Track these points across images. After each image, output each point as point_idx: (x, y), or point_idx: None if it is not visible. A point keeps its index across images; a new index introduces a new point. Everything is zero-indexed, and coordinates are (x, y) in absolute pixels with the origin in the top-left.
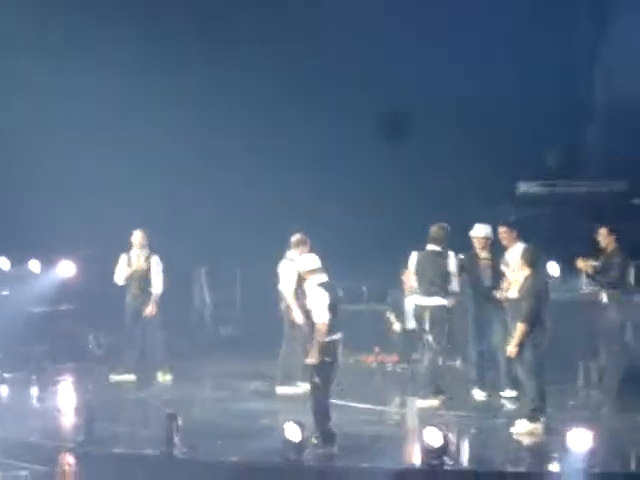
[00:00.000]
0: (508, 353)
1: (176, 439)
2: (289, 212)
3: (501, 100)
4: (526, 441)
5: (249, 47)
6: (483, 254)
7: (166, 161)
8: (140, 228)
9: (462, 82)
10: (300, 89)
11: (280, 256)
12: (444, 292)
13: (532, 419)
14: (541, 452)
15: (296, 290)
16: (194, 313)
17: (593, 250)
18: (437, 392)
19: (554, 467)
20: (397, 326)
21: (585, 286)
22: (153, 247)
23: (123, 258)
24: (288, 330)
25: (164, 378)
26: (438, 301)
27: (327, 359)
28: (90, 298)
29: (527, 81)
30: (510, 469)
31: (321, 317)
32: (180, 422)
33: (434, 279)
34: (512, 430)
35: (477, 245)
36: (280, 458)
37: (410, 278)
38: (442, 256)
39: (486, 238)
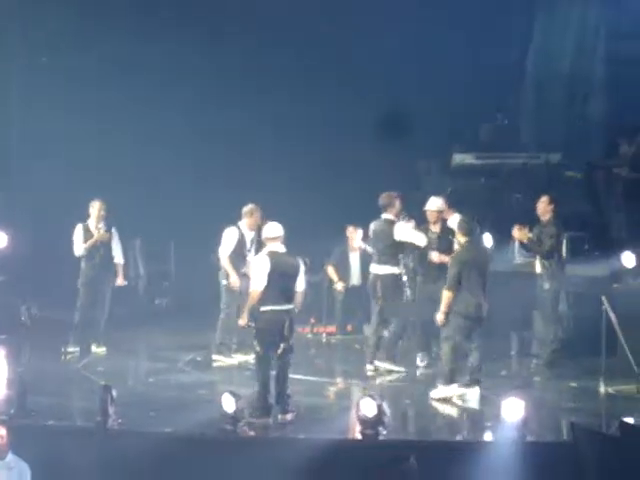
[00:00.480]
0: (437, 320)
1: (110, 411)
2: (223, 183)
3: (434, 70)
4: (461, 411)
5: None
6: (435, 228)
7: (100, 132)
8: (98, 199)
9: (398, 53)
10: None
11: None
12: (395, 260)
13: (446, 383)
14: (475, 421)
15: (238, 256)
16: (128, 285)
17: (527, 221)
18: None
19: (487, 436)
20: (339, 285)
21: (518, 257)
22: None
23: (79, 228)
24: (226, 298)
25: (98, 350)
26: (389, 269)
27: (259, 326)
28: (22, 269)
29: (461, 52)
30: (444, 438)
31: (255, 284)
32: (114, 394)
33: (384, 248)
34: (431, 395)
35: (430, 218)
36: (215, 429)
37: (356, 235)
38: (393, 224)
39: (438, 211)
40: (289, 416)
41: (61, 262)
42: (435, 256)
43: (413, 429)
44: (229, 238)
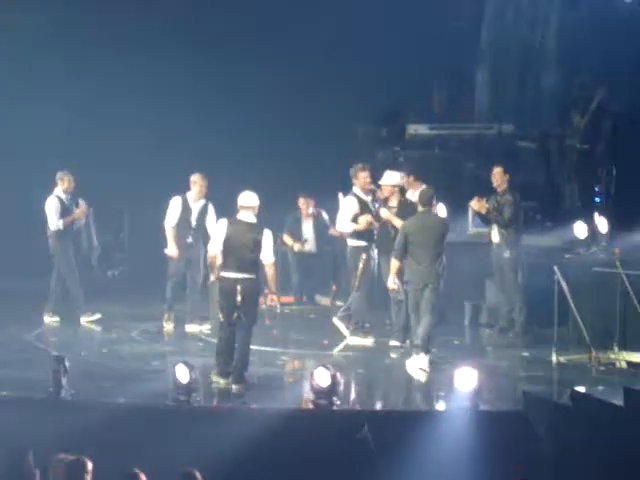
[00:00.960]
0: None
1: (63, 382)
2: (178, 152)
3: (385, 38)
4: (414, 381)
5: None
6: (391, 202)
7: (50, 99)
8: (65, 171)
9: (348, 20)
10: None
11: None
12: (358, 233)
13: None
14: (428, 391)
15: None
16: (81, 255)
17: (481, 191)
18: (367, 332)
19: (441, 405)
20: (297, 246)
21: (471, 227)
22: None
23: (54, 201)
24: (170, 268)
25: (52, 320)
26: (350, 242)
27: (219, 291)
28: None
29: (413, 21)
30: (397, 408)
31: (210, 246)
32: (67, 364)
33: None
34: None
35: (386, 193)
36: (169, 400)
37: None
38: (354, 197)
39: (393, 186)
40: (236, 387)
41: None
42: (384, 212)
43: (366, 399)
44: (172, 208)
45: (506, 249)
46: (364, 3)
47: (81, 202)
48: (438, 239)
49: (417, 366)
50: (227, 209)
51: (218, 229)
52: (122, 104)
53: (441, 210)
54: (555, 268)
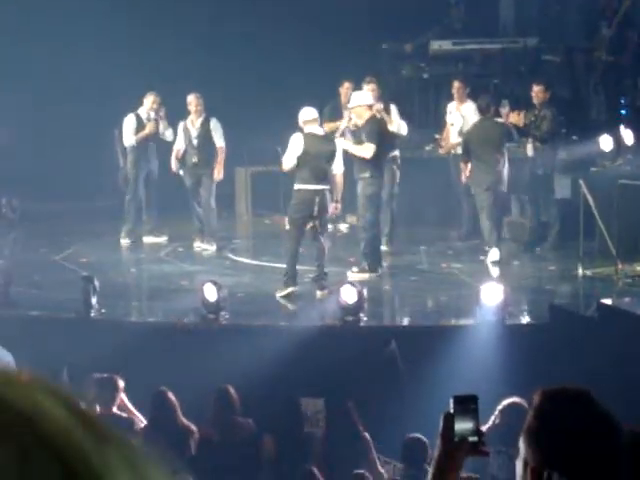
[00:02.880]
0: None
1: (93, 301)
2: (197, 78)
3: None
4: (441, 296)
5: None
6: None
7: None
8: (153, 92)
9: None
10: None
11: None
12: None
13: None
14: (454, 306)
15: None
16: (108, 176)
17: (511, 106)
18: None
19: (467, 320)
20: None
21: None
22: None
23: (131, 118)
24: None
25: (160, 239)
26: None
27: (291, 203)
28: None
29: None
30: (424, 323)
31: (284, 161)
32: (97, 284)
33: None
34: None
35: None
36: (198, 318)
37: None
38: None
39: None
40: (321, 293)
41: (42, 155)
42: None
43: (394, 315)
44: (177, 133)
45: (539, 164)
46: None
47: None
48: (498, 143)
49: (491, 260)
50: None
51: (294, 143)
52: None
53: (403, 127)
54: (581, 181)
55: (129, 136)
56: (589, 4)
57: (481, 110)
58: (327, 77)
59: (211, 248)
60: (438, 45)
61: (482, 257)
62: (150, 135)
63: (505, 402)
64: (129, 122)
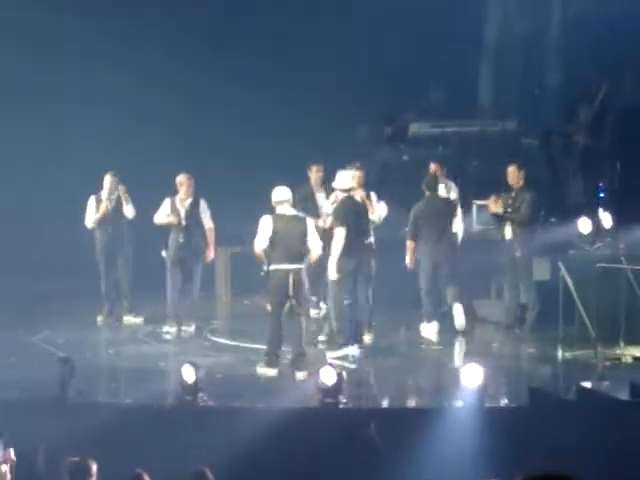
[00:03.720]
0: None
1: (70, 383)
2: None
3: (386, 36)
4: (420, 378)
5: None
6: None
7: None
8: (110, 172)
9: (347, 17)
10: None
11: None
12: None
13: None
14: (434, 388)
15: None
16: (86, 256)
17: (485, 189)
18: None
19: (447, 402)
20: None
21: (476, 224)
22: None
23: (92, 200)
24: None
25: (136, 320)
26: None
27: (268, 285)
28: None
29: (413, 19)
30: (403, 406)
31: (256, 243)
32: (74, 365)
33: None
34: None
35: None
36: (176, 400)
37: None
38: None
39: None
40: (301, 375)
41: (20, 234)
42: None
43: (373, 397)
44: (161, 208)
45: (518, 247)
46: (365, 2)
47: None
48: (444, 220)
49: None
50: (232, 207)
51: (263, 225)
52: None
53: (382, 208)
54: (560, 264)
55: (90, 218)
56: (568, 88)
57: (428, 188)
58: (308, 159)
59: (189, 329)
60: (417, 127)
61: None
62: (106, 215)
63: None
64: (90, 204)
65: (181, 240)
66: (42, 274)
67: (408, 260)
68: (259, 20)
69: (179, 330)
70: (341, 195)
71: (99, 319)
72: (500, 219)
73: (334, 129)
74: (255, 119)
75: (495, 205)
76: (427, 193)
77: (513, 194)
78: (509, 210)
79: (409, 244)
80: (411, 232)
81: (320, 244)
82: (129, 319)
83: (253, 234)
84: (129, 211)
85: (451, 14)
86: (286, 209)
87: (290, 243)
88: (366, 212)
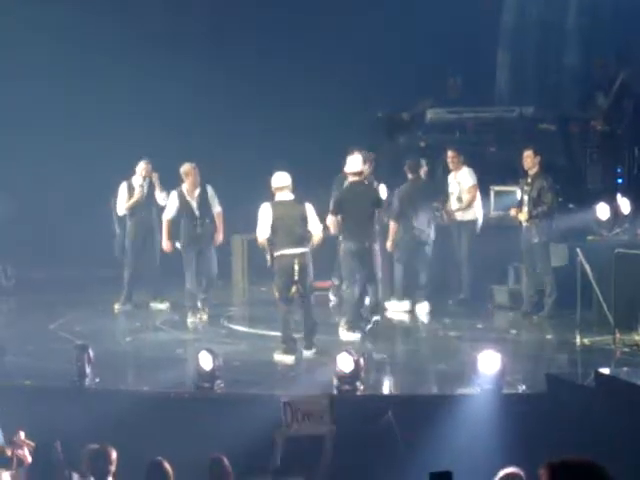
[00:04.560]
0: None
1: (87, 370)
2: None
3: (403, 22)
4: (437, 365)
5: None
6: None
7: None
8: (144, 159)
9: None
10: None
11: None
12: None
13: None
14: (452, 375)
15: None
16: (103, 244)
17: (503, 174)
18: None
19: (464, 389)
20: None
21: (494, 210)
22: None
23: (123, 186)
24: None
25: (161, 305)
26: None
27: (274, 271)
28: None
29: (430, 5)
30: (421, 392)
31: (258, 232)
32: (91, 353)
33: None
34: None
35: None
36: (193, 387)
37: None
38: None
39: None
40: (309, 353)
41: (36, 221)
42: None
43: (390, 384)
44: (170, 202)
45: (536, 234)
46: None
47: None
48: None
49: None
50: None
51: (263, 214)
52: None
53: (382, 190)
54: (578, 250)
55: (122, 204)
56: (585, 74)
57: (410, 170)
58: (324, 146)
59: (204, 317)
60: (434, 113)
61: (480, 325)
62: (140, 201)
63: (502, 472)
64: (122, 191)
65: (198, 231)
66: (61, 262)
67: (389, 244)
68: (275, 9)
69: (201, 318)
70: (352, 178)
71: (116, 307)
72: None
73: (352, 115)
74: (276, 102)
75: (516, 213)
76: (410, 176)
77: (529, 180)
78: (538, 209)
79: (392, 226)
80: (394, 215)
81: (321, 227)
82: (155, 305)
83: None
84: (162, 198)
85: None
86: (285, 195)
87: (291, 228)
88: (371, 199)
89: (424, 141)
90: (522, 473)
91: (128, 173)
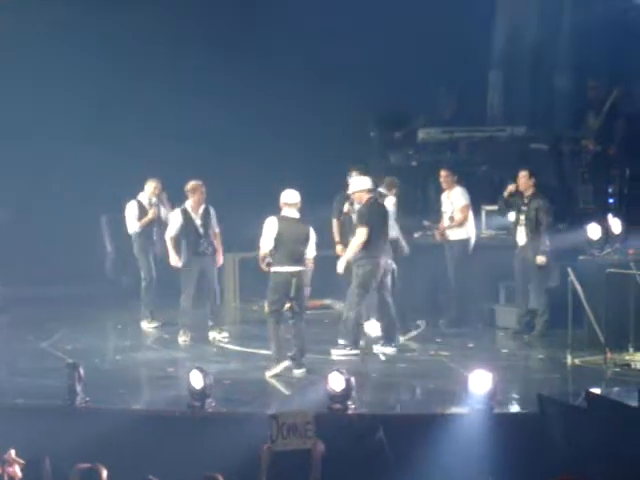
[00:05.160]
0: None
1: (78, 389)
2: (188, 161)
3: (396, 41)
4: (429, 384)
5: None
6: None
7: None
8: (153, 178)
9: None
10: None
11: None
12: None
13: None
14: (443, 394)
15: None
16: (95, 262)
17: (494, 194)
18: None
19: (455, 409)
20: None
21: (485, 229)
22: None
23: (133, 205)
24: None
25: (220, 335)
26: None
27: (269, 285)
28: None
29: (424, 25)
30: (412, 412)
31: (262, 245)
32: (82, 372)
33: None
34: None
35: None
36: (183, 406)
37: None
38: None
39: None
40: (299, 372)
41: (28, 240)
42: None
43: (381, 403)
44: (173, 219)
45: (538, 253)
46: (375, 5)
47: (154, 204)
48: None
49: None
50: (239, 212)
51: (268, 227)
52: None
53: (389, 202)
54: (569, 270)
55: (133, 223)
56: (577, 94)
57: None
58: (315, 165)
59: (221, 335)
60: (426, 133)
61: (471, 344)
62: (153, 220)
63: None
64: (131, 209)
65: (201, 249)
66: (51, 280)
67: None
68: (274, 20)
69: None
70: (366, 196)
71: (146, 323)
72: (506, 206)
73: (350, 131)
74: (265, 121)
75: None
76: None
77: (525, 200)
78: (534, 225)
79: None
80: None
81: (315, 253)
82: (144, 324)
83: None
84: (168, 215)
85: (461, 20)
86: (292, 212)
87: (293, 245)
88: (387, 215)
89: (416, 160)
90: None
91: (117, 190)
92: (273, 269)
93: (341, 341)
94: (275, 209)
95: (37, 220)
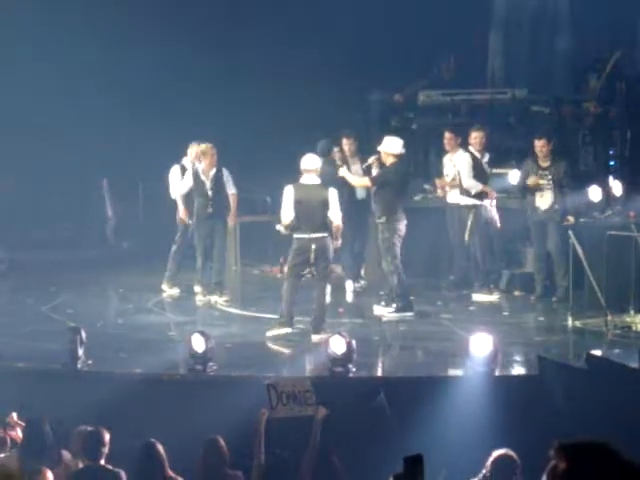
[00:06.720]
0: None
1: (80, 353)
2: (191, 124)
3: (397, 8)
4: (430, 347)
5: None
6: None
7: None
8: (196, 142)
9: None
10: None
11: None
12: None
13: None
14: (443, 357)
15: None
16: (97, 226)
17: (496, 156)
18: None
19: (456, 371)
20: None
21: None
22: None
23: (176, 169)
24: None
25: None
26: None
27: (291, 250)
28: None
29: None
30: (413, 374)
31: (282, 214)
32: (84, 335)
33: None
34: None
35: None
36: (185, 369)
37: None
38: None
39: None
40: (317, 337)
41: (30, 205)
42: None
43: (382, 366)
44: (185, 178)
45: (565, 214)
46: None
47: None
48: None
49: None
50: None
51: (286, 196)
52: (136, 81)
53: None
54: (570, 232)
55: (177, 187)
56: (578, 56)
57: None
58: (316, 128)
59: (222, 299)
60: (427, 96)
61: (472, 307)
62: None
63: (495, 454)
64: (175, 173)
65: (210, 210)
66: (52, 244)
67: None
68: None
69: (210, 299)
70: (391, 159)
71: (169, 290)
72: (529, 191)
73: (345, 96)
74: (261, 87)
75: (534, 180)
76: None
77: (547, 164)
78: (545, 181)
79: None
80: None
81: (340, 215)
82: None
83: (265, 204)
84: None
85: None
86: (311, 178)
87: (312, 212)
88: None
89: (416, 123)
90: (514, 455)
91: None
92: (295, 235)
93: (390, 309)
94: (270, 175)
95: (37, 184)
